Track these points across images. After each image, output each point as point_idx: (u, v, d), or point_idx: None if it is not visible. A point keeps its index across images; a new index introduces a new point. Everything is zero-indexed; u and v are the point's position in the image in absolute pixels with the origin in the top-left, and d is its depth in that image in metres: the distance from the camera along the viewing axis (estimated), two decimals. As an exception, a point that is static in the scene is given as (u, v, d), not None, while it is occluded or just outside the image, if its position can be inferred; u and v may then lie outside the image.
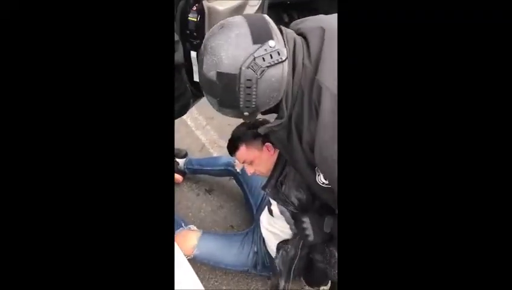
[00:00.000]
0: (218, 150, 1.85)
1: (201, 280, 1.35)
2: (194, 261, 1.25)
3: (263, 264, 1.27)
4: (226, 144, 1.32)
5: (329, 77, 0.65)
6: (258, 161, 1.19)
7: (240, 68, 0.63)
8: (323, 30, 0.70)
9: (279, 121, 0.74)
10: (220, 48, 0.64)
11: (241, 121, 0.92)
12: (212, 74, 0.65)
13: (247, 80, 0.64)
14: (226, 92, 0.66)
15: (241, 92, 0.65)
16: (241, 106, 0.67)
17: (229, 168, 1.53)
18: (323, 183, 0.79)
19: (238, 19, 0.67)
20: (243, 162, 1.25)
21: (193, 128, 1.99)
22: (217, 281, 1.35)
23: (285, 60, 0.66)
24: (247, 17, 0.68)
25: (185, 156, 1.70)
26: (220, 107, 0.71)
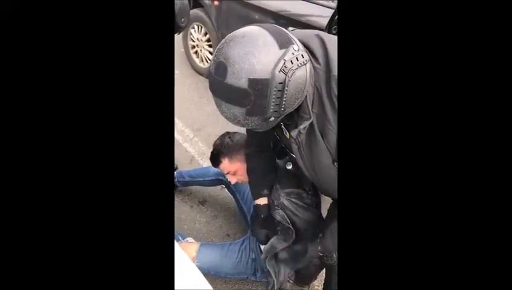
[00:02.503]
0: (207, 161, 1.85)
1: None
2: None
3: (262, 270, 1.29)
4: (214, 155, 1.36)
5: None
6: (241, 171, 1.24)
7: (273, 72, 0.65)
8: (319, 36, 0.76)
9: (307, 122, 0.77)
10: (250, 55, 0.65)
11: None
12: (242, 82, 0.65)
13: (279, 83, 0.66)
14: (258, 98, 0.67)
15: (273, 96, 0.67)
16: (270, 110, 0.69)
17: (220, 177, 1.55)
18: None
19: (255, 28, 0.69)
20: (226, 173, 1.30)
21: (180, 142, 2.00)
22: (217, 291, 1.36)
23: (308, 61, 0.70)
24: (264, 27, 0.70)
25: (175, 169, 1.70)
26: (246, 117, 0.70)
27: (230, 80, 0.66)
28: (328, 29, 1.67)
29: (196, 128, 2.09)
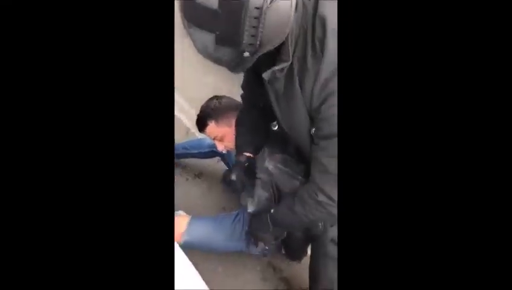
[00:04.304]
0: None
1: (196, 264, 1.34)
2: (184, 248, 1.23)
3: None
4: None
5: (329, 10, 0.62)
6: (228, 137, 1.17)
7: None
8: None
9: (284, 64, 0.68)
10: None
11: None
12: (213, 2, 0.56)
13: (256, 8, 0.56)
14: (229, 23, 0.58)
15: (247, 23, 0.57)
16: (244, 41, 0.59)
17: (215, 149, 1.49)
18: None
19: None
20: (213, 138, 1.23)
21: (176, 113, 1.94)
22: (211, 264, 1.33)
23: None
24: None
25: (169, 142, 1.66)
26: (215, 46, 0.61)
27: None
28: None
29: (192, 98, 2.02)
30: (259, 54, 0.63)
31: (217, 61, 0.65)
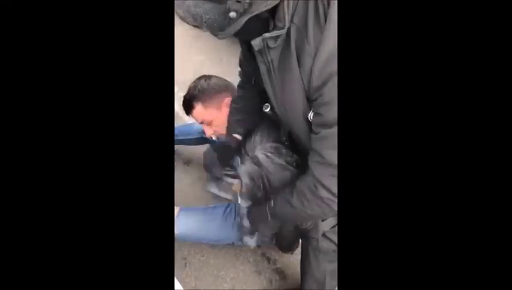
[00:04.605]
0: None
1: (187, 255, 1.28)
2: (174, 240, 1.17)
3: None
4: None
5: None
6: (217, 121, 1.08)
7: None
8: None
9: (278, 32, 0.59)
10: None
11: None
12: None
13: None
14: None
15: None
16: None
17: (204, 135, 1.40)
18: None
19: None
20: (201, 122, 1.16)
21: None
22: (203, 256, 1.28)
23: None
24: None
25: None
26: (197, 1, 0.53)
27: None
28: None
29: (181, 82, 1.90)
30: (248, 15, 0.54)
31: (196, 20, 0.55)
